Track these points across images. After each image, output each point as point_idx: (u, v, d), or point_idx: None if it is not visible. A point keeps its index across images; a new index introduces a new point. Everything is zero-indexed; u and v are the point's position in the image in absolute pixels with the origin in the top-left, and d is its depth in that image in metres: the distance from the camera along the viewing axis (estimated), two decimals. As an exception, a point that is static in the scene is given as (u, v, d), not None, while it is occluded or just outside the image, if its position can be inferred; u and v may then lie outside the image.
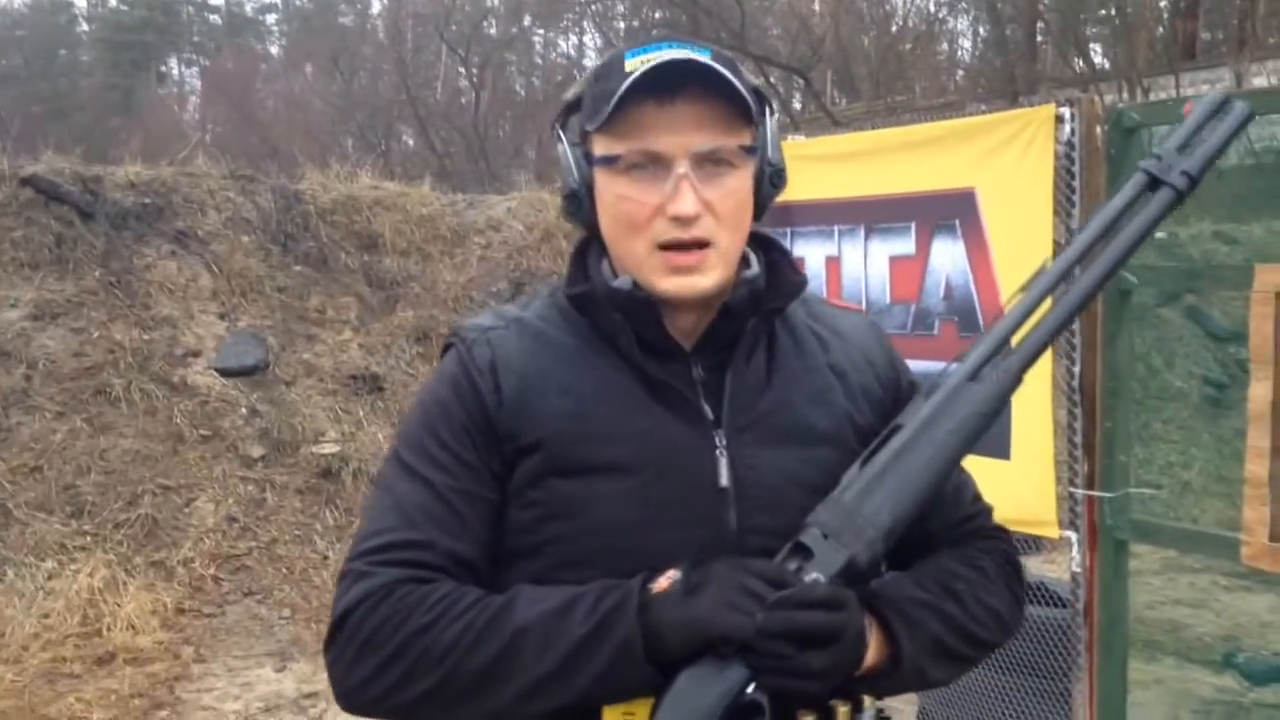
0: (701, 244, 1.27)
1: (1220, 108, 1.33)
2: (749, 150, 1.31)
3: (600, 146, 1.30)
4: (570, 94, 1.37)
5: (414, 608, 1.22)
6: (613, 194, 1.29)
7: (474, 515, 1.29)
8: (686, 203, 1.25)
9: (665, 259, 1.28)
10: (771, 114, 1.35)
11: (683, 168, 1.26)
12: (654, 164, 1.27)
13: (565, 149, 1.34)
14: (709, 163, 1.27)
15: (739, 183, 1.30)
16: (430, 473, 1.30)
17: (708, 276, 1.29)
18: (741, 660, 1.15)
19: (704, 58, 1.26)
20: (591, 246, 1.38)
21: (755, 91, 1.32)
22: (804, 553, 1.21)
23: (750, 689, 1.16)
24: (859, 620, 1.21)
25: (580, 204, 1.34)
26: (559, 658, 1.18)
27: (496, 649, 1.19)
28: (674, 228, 1.26)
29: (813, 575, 1.19)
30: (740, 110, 1.28)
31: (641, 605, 1.17)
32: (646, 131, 1.26)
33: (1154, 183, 1.29)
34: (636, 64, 1.26)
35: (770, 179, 1.36)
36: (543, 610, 1.20)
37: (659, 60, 1.24)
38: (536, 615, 1.20)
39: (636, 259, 1.29)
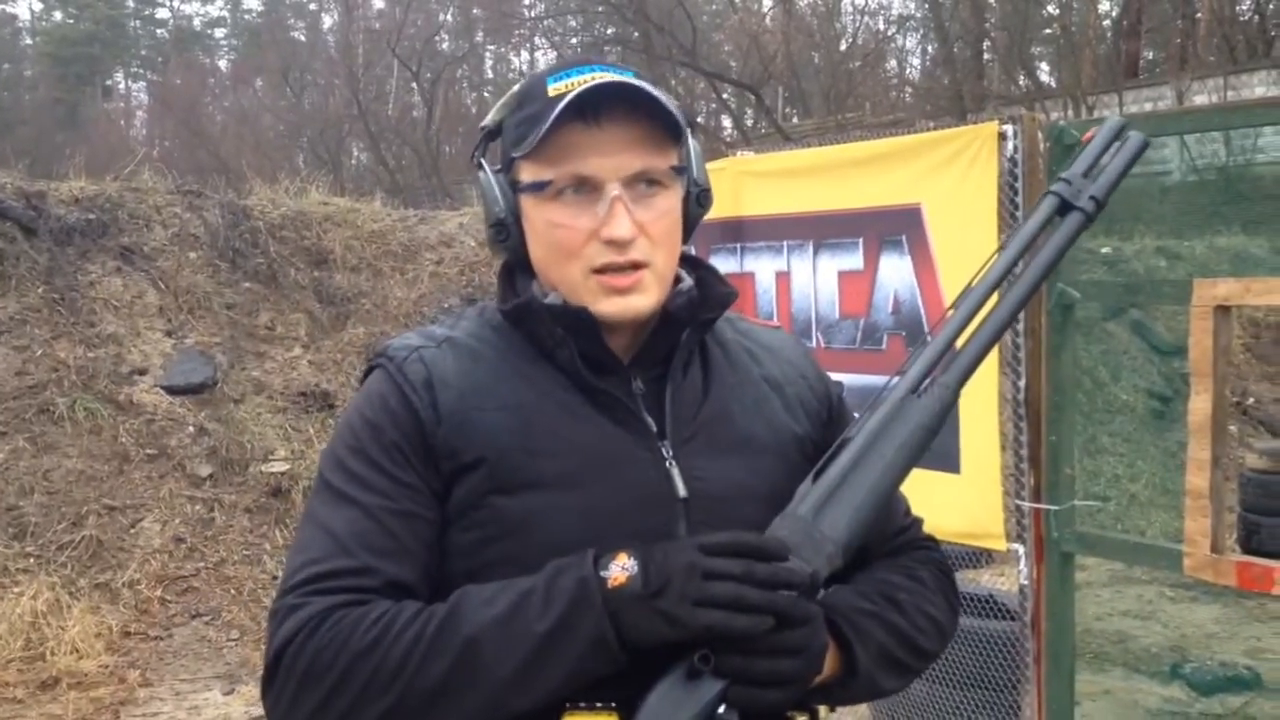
0: (637, 265, 1.27)
1: (1119, 134, 1.39)
2: (678, 170, 1.31)
3: (528, 173, 1.28)
4: (489, 121, 1.35)
5: (352, 630, 1.16)
6: (544, 220, 1.28)
7: (411, 536, 1.24)
8: (621, 226, 1.25)
9: (601, 282, 1.26)
10: (694, 135, 1.35)
11: (615, 190, 1.25)
12: (585, 188, 1.26)
13: (488, 177, 1.32)
14: (640, 184, 1.27)
15: (670, 203, 1.30)
16: (362, 496, 1.24)
17: (645, 297, 1.28)
18: (712, 672, 1.14)
19: (628, 78, 1.26)
20: (518, 266, 1.36)
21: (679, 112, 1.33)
22: None
23: (721, 709, 1.15)
24: (823, 634, 1.21)
25: (508, 232, 1.32)
26: (520, 661, 1.13)
27: (450, 662, 1.14)
28: (609, 251, 1.25)
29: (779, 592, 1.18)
30: (668, 130, 1.27)
31: (605, 599, 1.14)
32: (576, 155, 1.25)
33: (1064, 206, 1.35)
34: (561, 88, 1.25)
35: (697, 199, 1.35)
36: (492, 614, 1.16)
37: (592, 83, 1.23)
38: (486, 620, 1.15)
39: (572, 284, 1.28)
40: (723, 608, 1.12)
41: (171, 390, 7.29)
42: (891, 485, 1.25)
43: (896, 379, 1.29)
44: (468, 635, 1.15)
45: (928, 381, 1.28)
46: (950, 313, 1.33)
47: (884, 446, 1.24)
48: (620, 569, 1.15)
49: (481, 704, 1.15)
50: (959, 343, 1.32)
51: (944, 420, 1.28)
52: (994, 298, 1.35)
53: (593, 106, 1.24)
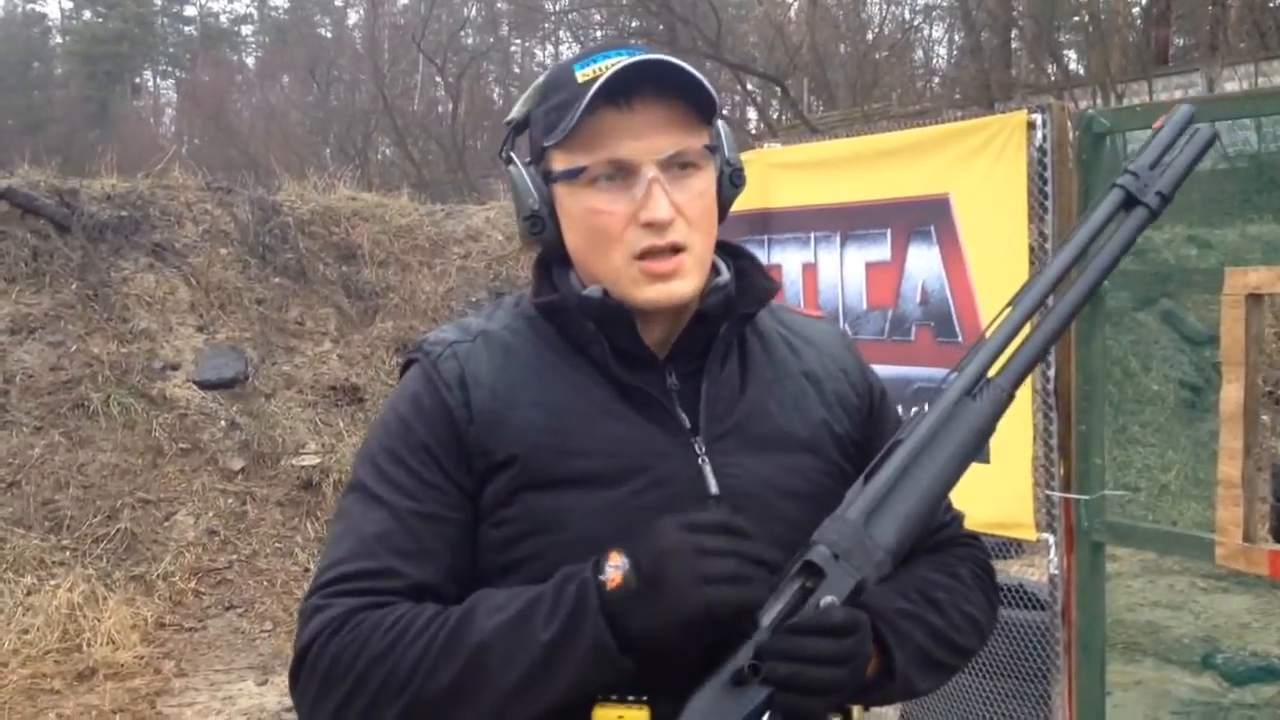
0: (677, 249, 1.25)
1: (1188, 124, 1.35)
2: (711, 150, 1.29)
3: (561, 161, 1.27)
4: (515, 114, 1.35)
5: (370, 634, 1.18)
6: (581, 208, 1.27)
7: (436, 538, 1.25)
8: (660, 207, 1.24)
9: (643, 268, 1.25)
10: (722, 115, 1.34)
11: (651, 172, 1.24)
12: (621, 172, 1.25)
13: (519, 170, 1.31)
14: (675, 166, 1.26)
15: (705, 184, 1.29)
16: (389, 496, 1.26)
17: (686, 282, 1.27)
18: (757, 681, 1.13)
19: (657, 56, 1.24)
20: (554, 258, 1.35)
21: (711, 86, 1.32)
22: (815, 572, 1.18)
23: (765, 717, 1.14)
24: (869, 642, 1.20)
25: (544, 224, 1.31)
26: (526, 668, 1.14)
27: (459, 667, 1.15)
28: (649, 235, 1.24)
29: (828, 598, 1.17)
30: (699, 109, 1.26)
31: (602, 604, 1.13)
32: (609, 140, 1.24)
33: (1129, 200, 1.31)
34: (589, 73, 1.24)
35: (730, 179, 1.34)
36: (501, 620, 1.16)
37: (621, 65, 1.22)
38: (495, 627, 1.16)
39: (613, 271, 1.27)
40: (726, 583, 1.12)
41: (203, 385, 7.36)
42: (943, 490, 1.23)
43: (954, 376, 1.26)
44: (477, 642, 1.16)
45: (982, 383, 1.25)
46: (1008, 310, 1.29)
47: (937, 451, 1.22)
48: (614, 569, 1.14)
49: (491, 708, 1.16)
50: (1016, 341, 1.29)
51: (996, 423, 1.25)
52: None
53: (623, 90, 1.23)
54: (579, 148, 1.25)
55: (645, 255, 1.26)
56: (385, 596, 1.22)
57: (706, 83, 1.25)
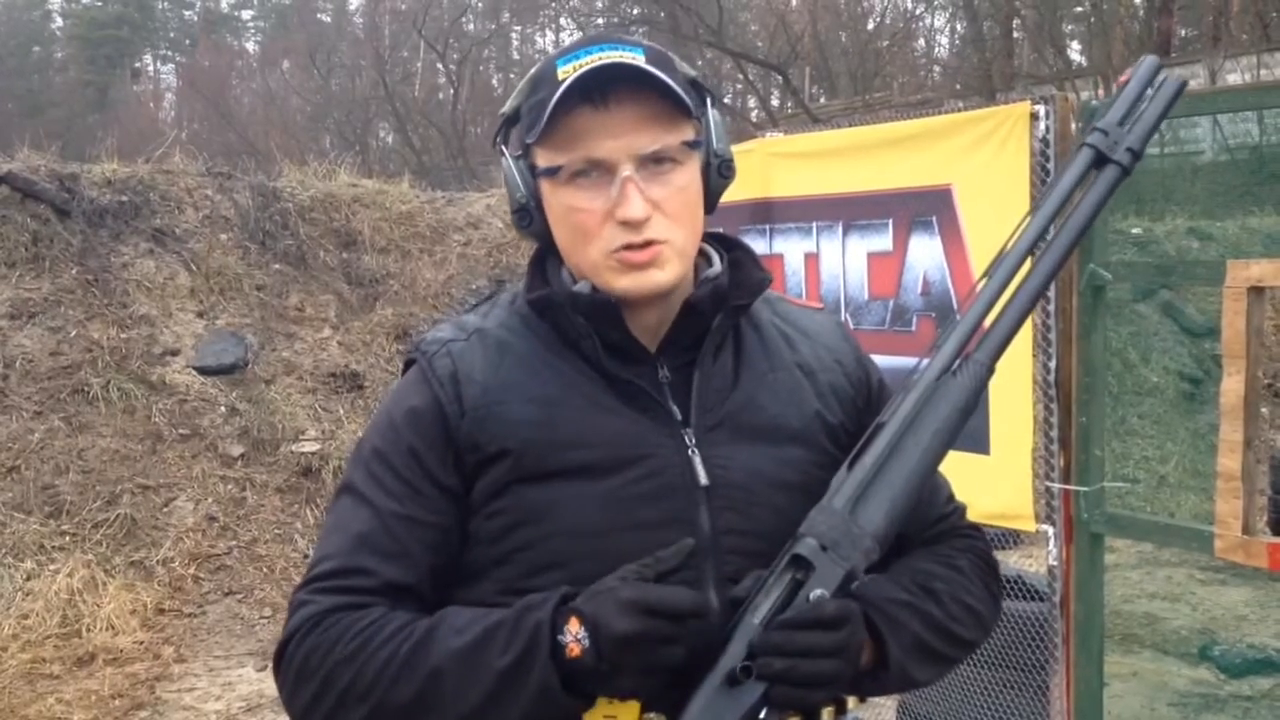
0: (653, 243, 1.26)
1: (1154, 76, 1.33)
2: (692, 145, 1.29)
3: (542, 158, 1.29)
4: (508, 107, 1.36)
5: (339, 637, 1.22)
6: (561, 205, 1.28)
7: (416, 542, 1.27)
8: (634, 207, 1.24)
9: (620, 258, 1.26)
10: (713, 104, 1.34)
11: (627, 170, 1.25)
12: (597, 170, 1.26)
13: (509, 163, 1.33)
14: (652, 162, 1.26)
15: (686, 179, 1.29)
16: (375, 497, 1.29)
17: (664, 271, 1.27)
18: (753, 679, 1.14)
19: (635, 56, 1.25)
20: (549, 254, 1.37)
21: (694, 84, 1.32)
22: (803, 565, 1.18)
23: (762, 714, 1.15)
24: (862, 631, 1.21)
25: (530, 217, 1.33)
26: (480, 697, 1.16)
27: (418, 685, 1.18)
28: (625, 232, 1.25)
29: (818, 591, 1.17)
30: (677, 106, 1.26)
31: (556, 664, 1.14)
32: (585, 139, 1.25)
33: (1100, 159, 1.30)
34: (569, 70, 1.24)
35: (718, 170, 1.34)
36: (461, 643, 1.19)
37: (587, 67, 1.23)
38: (453, 652, 1.19)
39: (592, 265, 1.28)
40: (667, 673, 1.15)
41: (203, 371, 7.36)
42: (927, 471, 1.23)
43: (927, 359, 1.26)
44: (433, 666, 1.19)
45: (960, 359, 1.25)
46: (983, 282, 1.29)
47: (919, 432, 1.23)
48: (574, 640, 1.14)
49: None
50: (993, 313, 1.28)
51: (979, 399, 1.25)
52: (1027, 264, 1.30)
53: (599, 89, 1.23)
54: (557, 146, 1.27)
55: (622, 250, 1.27)
56: (364, 596, 1.25)
57: (676, 84, 1.25)
